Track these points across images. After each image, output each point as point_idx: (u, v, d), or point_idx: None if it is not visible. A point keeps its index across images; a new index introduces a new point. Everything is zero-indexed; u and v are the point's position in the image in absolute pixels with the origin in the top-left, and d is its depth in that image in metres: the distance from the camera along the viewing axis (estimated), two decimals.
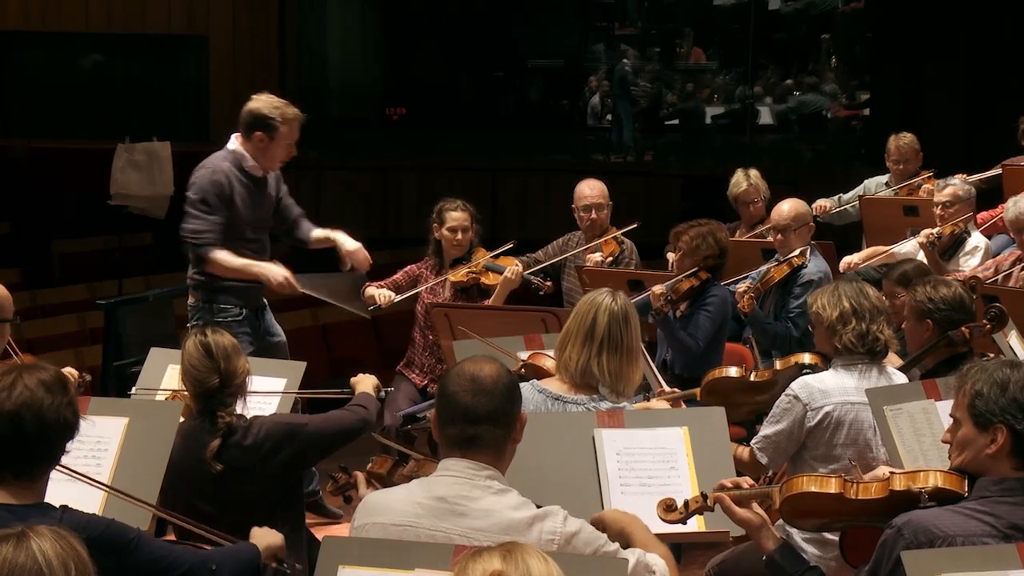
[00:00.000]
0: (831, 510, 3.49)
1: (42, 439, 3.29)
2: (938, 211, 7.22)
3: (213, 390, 4.42)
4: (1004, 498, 3.21)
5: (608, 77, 17.14)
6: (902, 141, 8.52)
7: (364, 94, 17.29)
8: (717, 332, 6.59)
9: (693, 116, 17.23)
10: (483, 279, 6.83)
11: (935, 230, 7.11)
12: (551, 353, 4.81)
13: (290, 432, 4.49)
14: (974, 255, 7.15)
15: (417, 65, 17.20)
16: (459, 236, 6.86)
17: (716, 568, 4.81)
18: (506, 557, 2.52)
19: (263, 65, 14.96)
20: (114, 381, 7.46)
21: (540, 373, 4.82)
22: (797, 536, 4.46)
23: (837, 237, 8.41)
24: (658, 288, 6.43)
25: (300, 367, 5.25)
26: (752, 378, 5.33)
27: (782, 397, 4.77)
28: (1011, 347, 5.30)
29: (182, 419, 4.47)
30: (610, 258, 7.19)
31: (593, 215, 7.26)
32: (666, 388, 5.41)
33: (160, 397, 5.00)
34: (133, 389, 5.25)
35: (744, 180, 8.05)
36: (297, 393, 5.19)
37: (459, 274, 6.83)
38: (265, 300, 6.53)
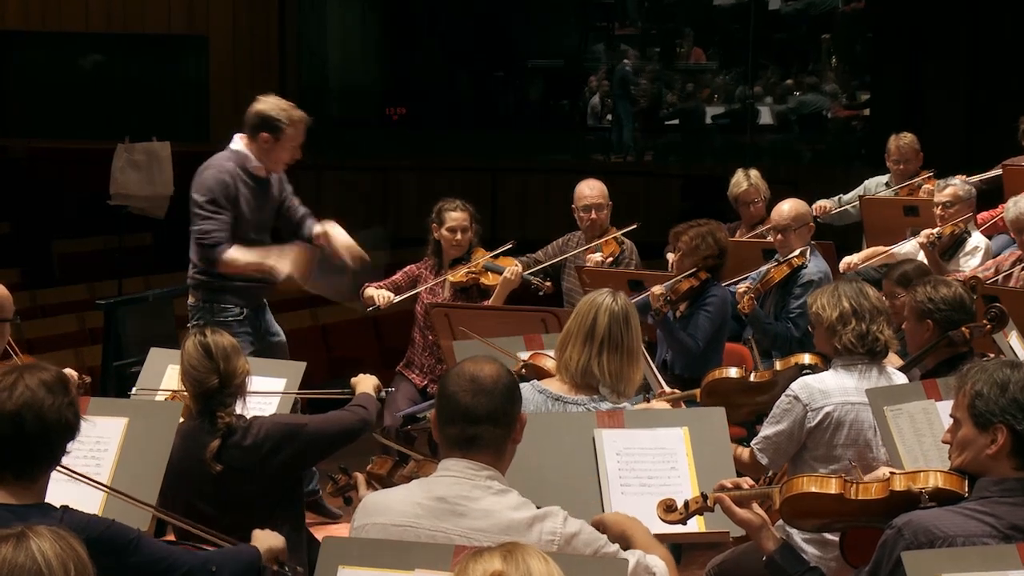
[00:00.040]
0: (831, 510, 3.49)
1: (43, 439, 3.29)
2: (938, 211, 7.22)
3: (213, 390, 4.41)
4: (1004, 498, 3.21)
5: (608, 77, 17.14)
6: (902, 141, 8.52)
7: (364, 94, 17.30)
8: (717, 332, 6.59)
9: (693, 116, 17.24)
10: (482, 279, 6.83)
11: (935, 230, 7.11)
12: (551, 353, 4.81)
13: (290, 432, 4.49)
14: (974, 255, 7.15)
15: (417, 65, 17.20)
16: (458, 236, 6.86)
17: (716, 568, 4.81)
18: (506, 557, 2.52)
19: (263, 65, 14.96)
20: (114, 381, 7.46)
21: (541, 373, 4.82)
22: (797, 536, 4.46)
23: (837, 237, 8.41)
24: (657, 289, 6.43)
25: (300, 367, 5.25)
26: (752, 379, 5.33)
27: (782, 398, 4.77)
28: (1011, 347, 5.30)
29: (182, 419, 4.47)
30: (610, 258, 7.18)
31: (593, 215, 7.25)
32: (666, 388, 5.41)
33: (160, 397, 5.00)
34: (133, 389, 5.25)
35: (744, 180, 8.05)
36: (297, 393, 5.19)
37: (458, 274, 6.83)
38: (265, 300, 6.54)
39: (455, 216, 6.87)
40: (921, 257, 6.98)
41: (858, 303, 4.71)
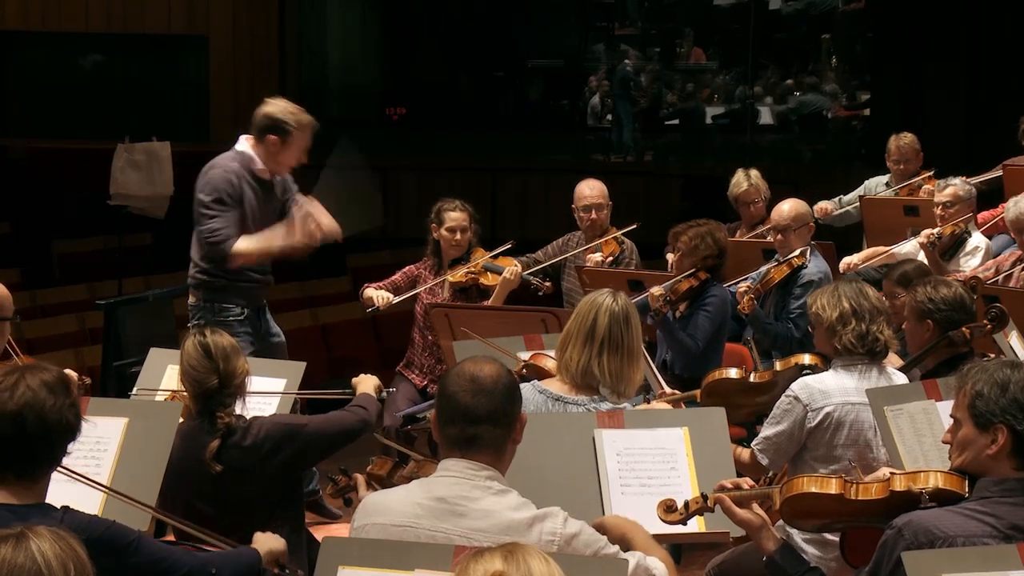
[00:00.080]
0: (831, 511, 3.48)
1: (44, 440, 3.29)
2: (938, 211, 7.22)
3: (212, 391, 4.41)
4: (1004, 498, 3.21)
5: (608, 77, 17.14)
6: (902, 141, 8.51)
7: (364, 94, 17.30)
8: (716, 332, 6.59)
9: (693, 116, 17.24)
10: (482, 279, 6.83)
11: (935, 230, 7.11)
12: (552, 354, 4.80)
13: (290, 433, 4.49)
14: (975, 255, 7.15)
15: (417, 65, 17.21)
16: (458, 236, 6.85)
17: (716, 569, 4.81)
18: (507, 558, 2.52)
19: (263, 65, 14.96)
20: (114, 381, 7.46)
21: (541, 374, 4.82)
22: (797, 537, 4.46)
23: (837, 237, 8.41)
24: (656, 289, 6.42)
25: (300, 367, 5.24)
26: (752, 379, 5.32)
27: (782, 398, 4.77)
28: (1012, 347, 5.29)
29: (181, 420, 4.47)
30: (610, 258, 7.18)
31: (593, 215, 7.25)
32: (667, 389, 5.41)
33: (160, 397, 4.99)
34: (134, 389, 5.24)
35: (744, 180, 8.05)
36: (298, 394, 5.19)
37: (458, 274, 6.82)
38: (265, 301, 6.54)
39: (454, 216, 6.87)
40: (921, 257, 6.98)
41: (858, 303, 4.71)
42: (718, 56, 17.81)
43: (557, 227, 7.70)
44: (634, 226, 7.32)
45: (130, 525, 3.50)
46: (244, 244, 6.15)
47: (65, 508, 3.32)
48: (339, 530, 6.19)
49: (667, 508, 3.66)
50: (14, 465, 3.28)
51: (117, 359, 7.62)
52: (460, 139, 16.32)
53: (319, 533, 5.40)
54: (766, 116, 16.83)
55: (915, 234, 7.25)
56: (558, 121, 17.56)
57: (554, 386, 4.42)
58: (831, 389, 4.69)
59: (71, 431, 3.34)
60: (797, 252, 6.96)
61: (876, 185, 8.62)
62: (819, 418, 4.66)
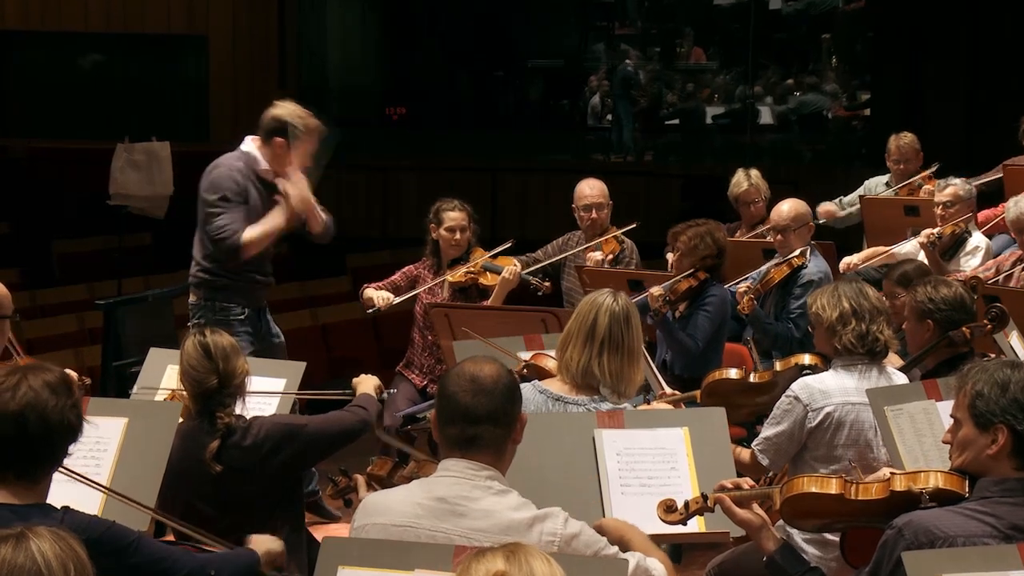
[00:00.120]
0: (832, 511, 3.48)
1: (45, 440, 3.29)
2: (939, 211, 7.22)
3: (212, 391, 4.41)
4: (1005, 498, 3.21)
5: (608, 77, 17.14)
6: (902, 141, 8.51)
7: (364, 94, 17.29)
8: (716, 332, 6.58)
9: (693, 116, 17.24)
10: (481, 279, 6.83)
11: (936, 230, 7.11)
12: (552, 354, 4.80)
13: (289, 433, 4.48)
14: (975, 255, 7.15)
15: (417, 65, 17.20)
16: (457, 236, 6.85)
17: (716, 569, 4.81)
18: (509, 558, 2.52)
19: (263, 65, 14.96)
20: (113, 381, 7.45)
21: (542, 374, 4.82)
22: (797, 537, 4.46)
23: (837, 237, 8.41)
24: (656, 289, 6.42)
25: (300, 367, 5.24)
26: (752, 379, 5.32)
27: (782, 398, 4.76)
28: (1012, 347, 5.29)
29: (181, 420, 4.47)
30: (611, 256, 7.18)
31: (593, 214, 7.25)
32: (667, 389, 5.41)
33: (160, 395, 4.99)
34: (135, 388, 5.24)
35: (745, 180, 8.05)
36: (297, 394, 5.18)
37: (457, 274, 6.82)
38: (266, 302, 6.55)
39: (453, 216, 6.86)
40: (921, 257, 6.98)
41: (858, 303, 4.70)
42: (718, 56, 17.81)
43: (557, 227, 7.70)
44: (634, 225, 7.32)
45: (130, 525, 3.50)
46: (251, 233, 6.17)
47: (65, 508, 3.32)
48: (339, 530, 6.19)
49: (667, 508, 3.66)
50: (15, 465, 3.28)
51: (117, 359, 7.62)
52: (460, 139, 16.32)
53: (319, 533, 5.40)
54: (766, 116, 16.83)
55: (915, 234, 7.25)
56: (558, 121, 17.55)
57: (554, 386, 4.42)
58: (831, 389, 4.69)
59: (73, 432, 3.34)
60: (797, 252, 6.96)
61: (876, 185, 8.62)
62: (819, 418, 4.66)
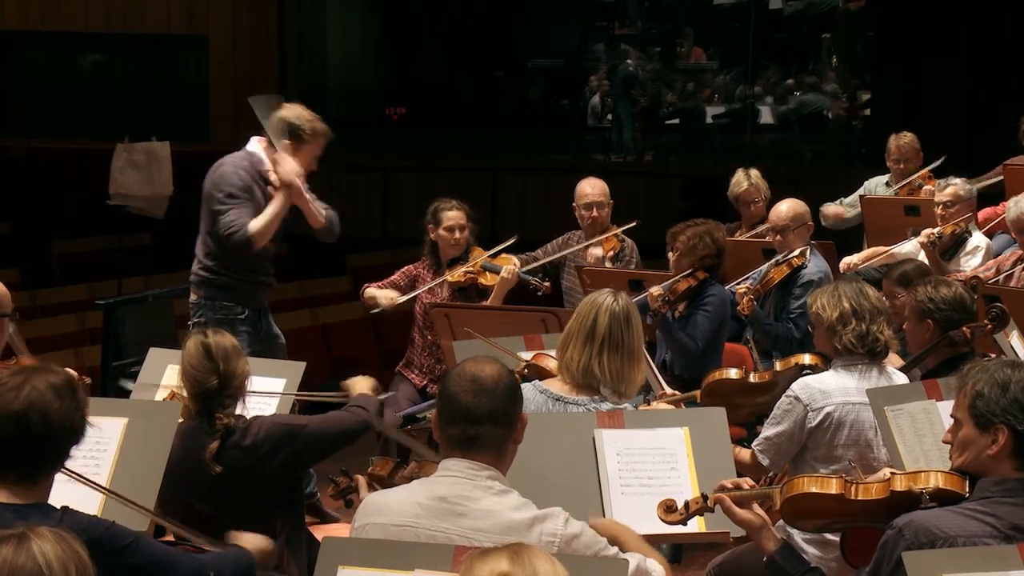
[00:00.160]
0: (832, 511, 3.48)
1: (47, 442, 3.29)
2: (939, 211, 7.22)
3: (211, 391, 4.41)
4: (1005, 499, 3.21)
5: (609, 77, 17.13)
6: (902, 140, 8.51)
7: (364, 94, 17.29)
8: (716, 332, 6.58)
9: (693, 116, 17.23)
10: (481, 279, 6.82)
11: (936, 230, 7.10)
12: (553, 354, 4.80)
13: (289, 433, 4.48)
14: (975, 255, 7.14)
15: (417, 65, 17.20)
16: (456, 235, 6.85)
17: (716, 569, 4.80)
18: (513, 559, 2.51)
19: (263, 65, 14.95)
20: (113, 381, 7.46)
21: (543, 374, 4.82)
22: (798, 537, 4.46)
23: (837, 237, 8.40)
24: (655, 289, 6.41)
25: (299, 367, 5.24)
26: (752, 379, 5.32)
27: (783, 398, 4.76)
28: (1012, 347, 5.29)
29: (181, 419, 4.47)
30: (611, 253, 7.18)
31: (594, 213, 7.26)
32: (667, 389, 5.41)
33: (161, 392, 5.00)
34: (136, 381, 5.24)
35: (745, 180, 8.05)
36: (293, 395, 5.17)
37: (456, 274, 6.81)
38: (267, 303, 6.56)
39: (451, 215, 6.86)
40: (922, 257, 6.98)
41: (858, 303, 4.70)
42: (718, 56, 17.80)
43: (557, 227, 7.70)
44: (634, 223, 7.31)
45: (129, 526, 3.50)
46: (257, 223, 6.18)
47: (64, 508, 3.32)
48: (339, 530, 6.19)
49: (667, 508, 3.65)
50: (17, 466, 3.29)
51: (116, 359, 7.62)
52: (460, 139, 16.31)
53: (319, 533, 5.40)
54: (766, 116, 16.82)
55: (915, 234, 7.25)
56: (558, 121, 17.55)
57: (555, 386, 4.42)
58: (831, 389, 4.68)
59: (75, 435, 3.35)
60: (797, 252, 6.95)
61: (876, 185, 8.62)
62: (819, 418, 4.65)
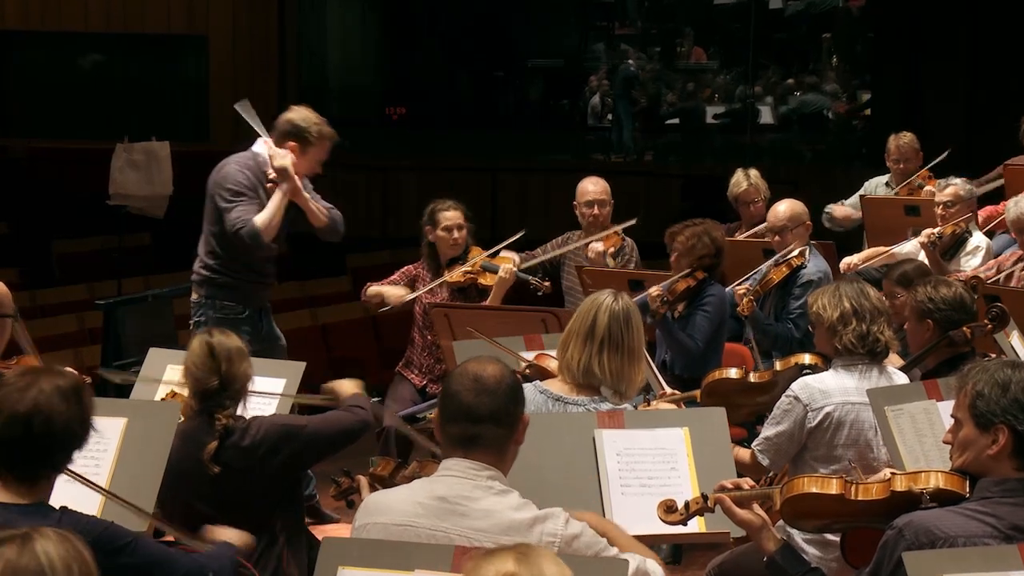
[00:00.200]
0: (832, 511, 3.48)
1: (49, 445, 3.30)
2: (939, 211, 7.21)
3: (212, 391, 4.41)
4: (1005, 499, 3.21)
5: (609, 77, 17.13)
6: (902, 140, 8.51)
7: (364, 94, 17.29)
8: (716, 332, 6.58)
9: (693, 116, 17.23)
10: (480, 279, 6.81)
11: (936, 230, 7.10)
12: (554, 354, 4.80)
13: (288, 433, 4.48)
14: (975, 255, 7.14)
15: (417, 65, 17.20)
16: (455, 235, 6.84)
17: (717, 569, 4.80)
18: (520, 559, 2.51)
19: (263, 65, 14.95)
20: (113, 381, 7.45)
21: (545, 374, 4.81)
22: (798, 537, 4.45)
23: (837, 237, 8.40)
24: (654, 290, 6.39)
25: (299, 367, 5.24)
26: (752, 379, 5.32)
27: (782, 398, 4.76)
28: (1013, 347, 5.29)
29: (182, 418, 4.47)
30: (611, 249, 7.18)
31: (596, 210, 7.26)
32: (667, 389, 5.40)
33: (162, 389, 5.00)
34: (139, 369, 5.25)
35: (744, 180, 8.05)
36: (279, 395, 5.15)
37: (455, 275, 6.81)
38: (268, 304, 6.56)
39: (449, 215, 6.86)
40: (922, 257, 6.97)
41: (859, 303, 4.70)
42: (718, 56, 17.81)
43: (557, 227, 7.69)
44: (633, 221, 7.30)
45: (129, 526, 3.50)
46: (262, 217, 6.19)
47: (63, 509, 3.32)
48: (339, 530, 6.19)
49: (667, 508, 3.65)
50: (18, 467, 3.29)
51: (116, 359, 7.62)
52: (460, 139, 16.32)
53: (319, 534, 5.39)
54: (766, 116, 16.83)
55: (916, 234, 7.24)
56: (558, 121, 17.55)
57: (555, 386, 4.42)
58: (831, 389, 4.68)
59: (77, 440, 3.36)
60: (796, 252, 6.95)
61: (876, 186, 8.62)
62: (819, 418, 4.65)
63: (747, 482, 3.73)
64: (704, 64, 17.83)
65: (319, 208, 6.42)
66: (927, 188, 8.09)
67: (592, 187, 7.33)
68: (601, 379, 4.37)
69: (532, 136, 16.71)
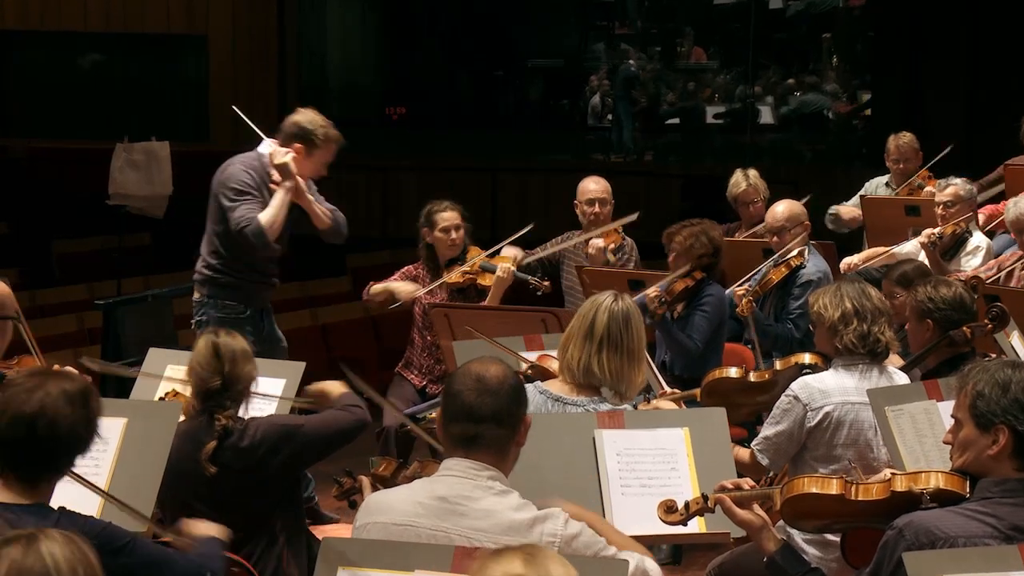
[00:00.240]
0: (832, 511, 3.48)
1: (51, 448, 3.31)
2: (939, 211, 7.21)
3: (214, 391, 4.41)
4: (1006, 499, 3.21)
5: (609, 77, 17.13)
6: (901, 140, 8.51)
7: (364, 94, 17.29)
8: (715, 332, 6.58)
9: (693, 116, 17.22)
10: (479, 280, 6.81)
11: (936, 230, 7.10)
12: (556, 354, 4.80)
13: (287, 433, 4.48)
14: (975, 255, 7.14)
15: (417, 65, 17.20)
16: (453, 235, 6.84)
17: (717, 569, 4.80)
18: (527, 560, 2.51)
19: (263, 65, 14.95)
20: (113, 381, 7.44)
21: (547, 375, 4.81)
22: (798, 537, 4.45)
23: (837, 237, 8.40)
24: (652, 291, 6.38)
25: (299, 367, 5.24)
26: (752, 378, 5.32)
27: (782, 398, 4.76)
28: (1013, 347, 5.29)
29: (183, 417, 4.47)
30: (612, 245, 7.18)
31: (596, 208, 7.27)
32: (667, 390, 5.40)
33: (163, 387, 5.00)
34: (141, 367, 5.24)
35: (743, 180, 8.05)
36: (269, 395, 5.14)
37: (454, 276, 6.81)
38: (270, 304, 6.56)
39: (446, 216, 6.86)
40: (922, 257, 6.97)
41: (860, 304, 4.69)
42: (719, 56, 17.80)
43: (557, 227, 7.69)
44: (635, 215, 7.29)
45: (127, 527, 3.49)
46: (266, 215, 6.20)
47: (61, 509, 3.32)
48: (339, 531, 6.18)
49: (668, 509, 3.65)
50: (20, 467, 3.30)
51: (116, 359, 7.61)
52: (460, 139, 16.31)
53: (319, 533, 5.39)
54: (766, 116, 16.82)
55: (916, 234, 7.24)
56: (558, 121, 17.54)
57: (555, 387, 4.42)
58: (830, 388, 4.68)
59: (80, 444, 3.37)
60: (795, 252, 6.95)
61: (876, 186, 8.62)
62: (818, 418, 4.65)
63: (747, 482, 3.73)
64: (704, 64, 17.82)
65: (323, 210, 6.42)
66: (927, 188, 8.09)
67: (593, 185, 7.34)
68: (601, 379, 4.37)
69: (532, 136, 16.71)
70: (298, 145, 6.27)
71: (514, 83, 17.75)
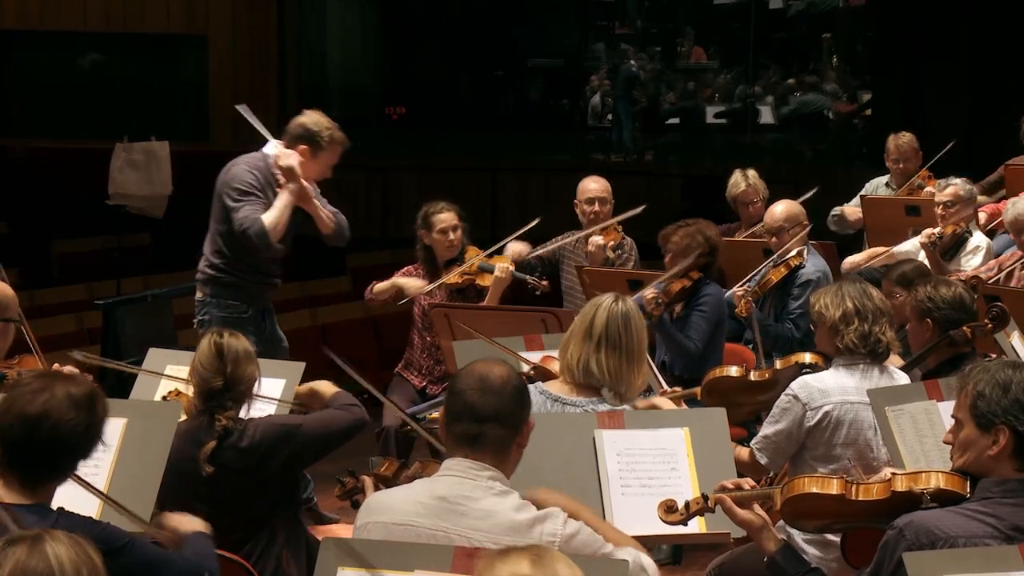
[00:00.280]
0: (833, 511, 3.48)
1: (54, 451, 3.31)
2: (939, 211, 7.21)
3: (215, 391, 4.41)
4: (1006, 499, 3.21)
5: (610, 77, 17.13)
6: (901, 140, 8.51)
7: (364, 94, 17.30)
8: (714, 332, 6.57)
9: (693, 115, 17.23)
10: (478, 280, 6.81)
11: (936, 230, 7.10)
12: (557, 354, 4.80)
13: (286, 433, 4.48)
14: (975, 255, 7.14)
15: (417, 65, 17.21)
16: (451, 236, 6.84)
17: (717, 569, 4.79)
18: (535, 562, 2.52)
19: (263, 65, 14.95)
20: (112, 379, 7.44)
21: (549, 377, 4.80)
22: (798, 537, 4.45)
23: (838, 237, 8.40)
24: (649, 292, 6.37)
25: (299, 367, 5.23)
26: (752, 377, 5.31)
27: (781, 397, 4.75)
28: (1013, 347, 5.28)
29: (184, 417, 4.47)
30: (611, 243, 7.18)
31: (597, 207, 7.27)
32: (667, 389, 5.40)
33: (163, 386, 4.99)
34: (142, 364, 5.25)
35: (742, 180, 8.05)
36: (263, 397, 5.13)
37: (452, 276, 6.80)
38: (271, 305, 6.56)
39: (443, 217, 6.85)
40: (922, 257, 6.97)
41: (861, 304, 4.69)
42: (719, 55, 17.81)
43: (557, 227, 7.69)
44: (640, 209, 7.28)
45: (125, 527, 3.49)
46: (269, 216, 6.20)
47: (60, 510, 3.32)
48: (339, 531, 6.18)
49: (668, 508, 3.65)
50: (22, 468, 3.30)
51: (116, 359, 7.61)
52: (460, 139, 16.32)
53: (319, 534, 5.39)
54: (767, 116, 16.83)
55: (916, 234, 7.24)
56: (558, 121, 17.56)
57: (555, 387, 4.42)
58: (830, 388, 4.68)
59: (81, 449, 3.37)
60: (794, 252, 6.94)
61: (876, 186, 8.62)
62: (818, 417, 4.65)
63: (747, 482, 3.73)
64: (704, 64, 17.84)
65: (327, 215, 6.42)
66: (927, 188, 8.09)
67: (594, 185, 7.35)
68: (599, 379, 4.37)
69: (532, 136, 16.72)
70: (303, 147, 6.27)
71: (514, 83, 17.77)
